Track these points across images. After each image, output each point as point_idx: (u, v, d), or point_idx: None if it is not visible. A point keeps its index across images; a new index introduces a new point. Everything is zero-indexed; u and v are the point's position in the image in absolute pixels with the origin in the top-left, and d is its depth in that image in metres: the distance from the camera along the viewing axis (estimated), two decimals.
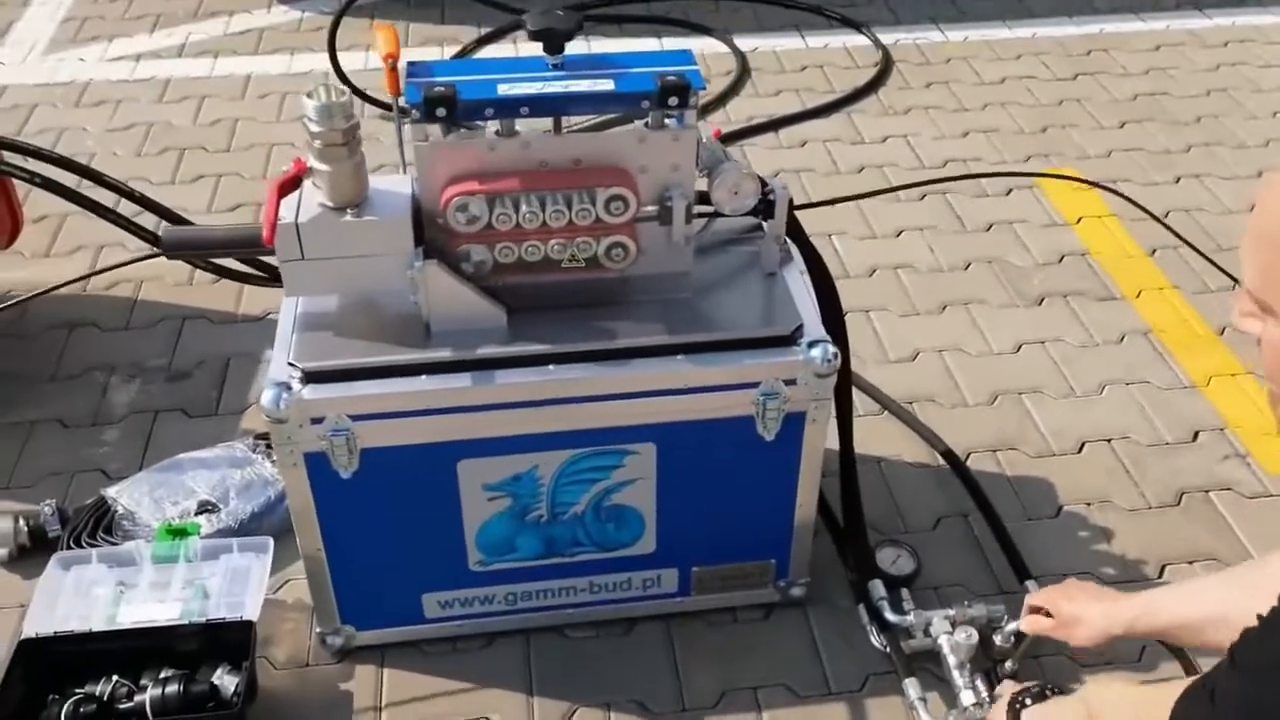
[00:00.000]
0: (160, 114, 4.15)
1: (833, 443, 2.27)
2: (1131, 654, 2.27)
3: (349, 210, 1.92)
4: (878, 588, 2.32)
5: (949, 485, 2.65)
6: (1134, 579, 2.44)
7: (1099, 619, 1.93)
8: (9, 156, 2.72)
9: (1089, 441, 2.79)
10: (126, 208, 2.78)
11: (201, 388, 2.93)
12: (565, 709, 2.20)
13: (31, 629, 2.16)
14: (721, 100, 4.27)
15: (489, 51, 4.65)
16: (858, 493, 2.43)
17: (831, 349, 2.02)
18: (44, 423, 2.81)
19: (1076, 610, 1.98)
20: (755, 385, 2.03)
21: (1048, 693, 1.83)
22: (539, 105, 1.90)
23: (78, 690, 2.08)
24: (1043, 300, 3.27)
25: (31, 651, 2.12)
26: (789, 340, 2.04)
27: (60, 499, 2.53)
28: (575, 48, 1.98)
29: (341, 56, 4.31)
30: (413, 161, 1.94)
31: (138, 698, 2.07)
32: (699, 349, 2.02)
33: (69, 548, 2.41)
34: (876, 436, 2.76)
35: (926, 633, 2.22)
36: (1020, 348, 3.09)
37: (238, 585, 2.27)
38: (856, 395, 2.71)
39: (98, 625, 2.18)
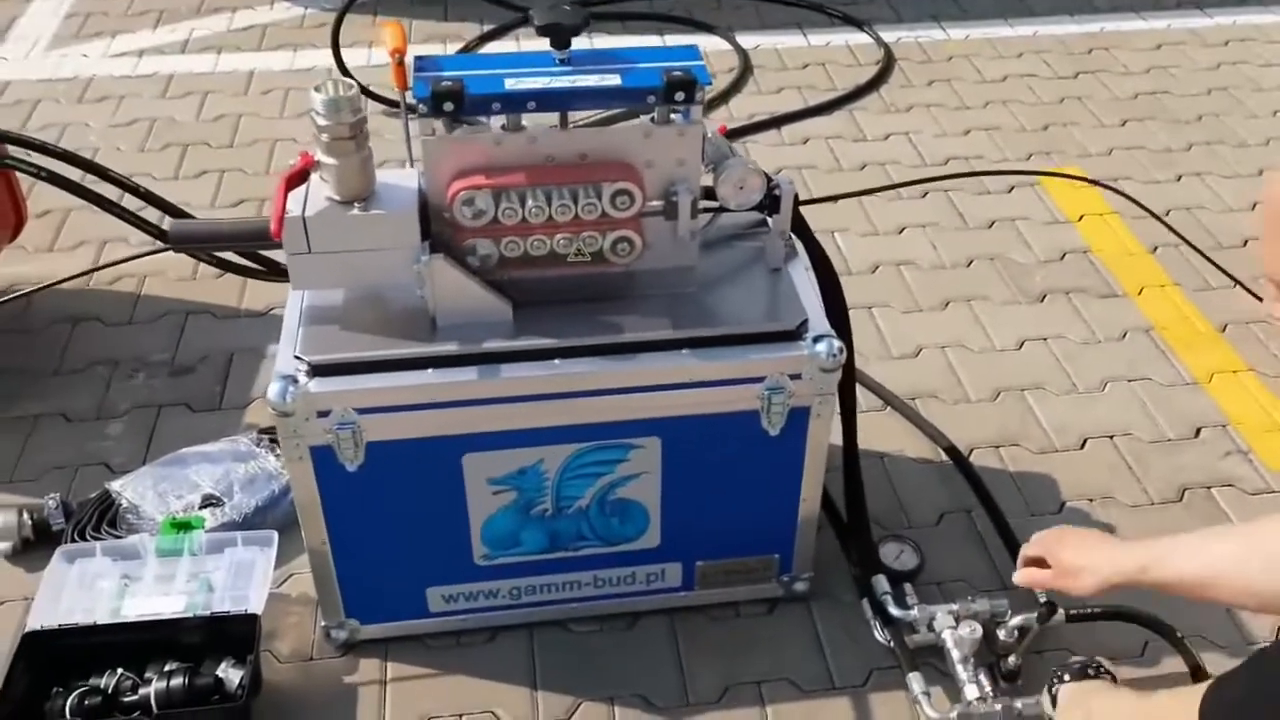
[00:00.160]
0: (163, 109, 4.15)
1: (836, 439, 2.27)
2: (1134, 649, 2.28)
3: (356, 204, 1.92)
4: (881, 583, 2.33)
5: (952, 481, 2.66)
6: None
7: (1104, 565, 1.90)
8: (15, 151, 2.73)
9: (1091, 438, 2.80)
10: (130, 203, 2.79)
11: (205, 382, 2.93)
12: (569, 703, 2.20)
13: (36, 622, 2.16)
14: (724, 97, 4.27)
15: (491, 49, 4.64)
16: (861, 488, 2.44)
17: (837, 344, 2.02)
18: (47, 417, 2.82)
19: (1078, 559, 1.96)
20: (760, 380, 2.03)
21: (1089, 671, 1.84)
22: (546, 100, 1.91)
23: (82, 683, 2.09)
24: (1045, 297, 3.28)
25: (36, 644, 2.12)
26: (794, 335, 2.04)
27: (64, 493, 2.53)
28: (578, 44, 1.98)
29: (344, 53, 4.33)
30: (419, 156, 1.95)
31: (142, 690, 2.07)
32: (704, 343, 2.02)
33: (73, 541, 2.41)
34: (879, 432, 2.77)
35: (930, 627, 2.22)
36: (1022, 344, 3.10)
37: (242, 579, 2.27)
38: (859, 391, 2.71)
39: (102, 618, 2.18)
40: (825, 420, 2.11)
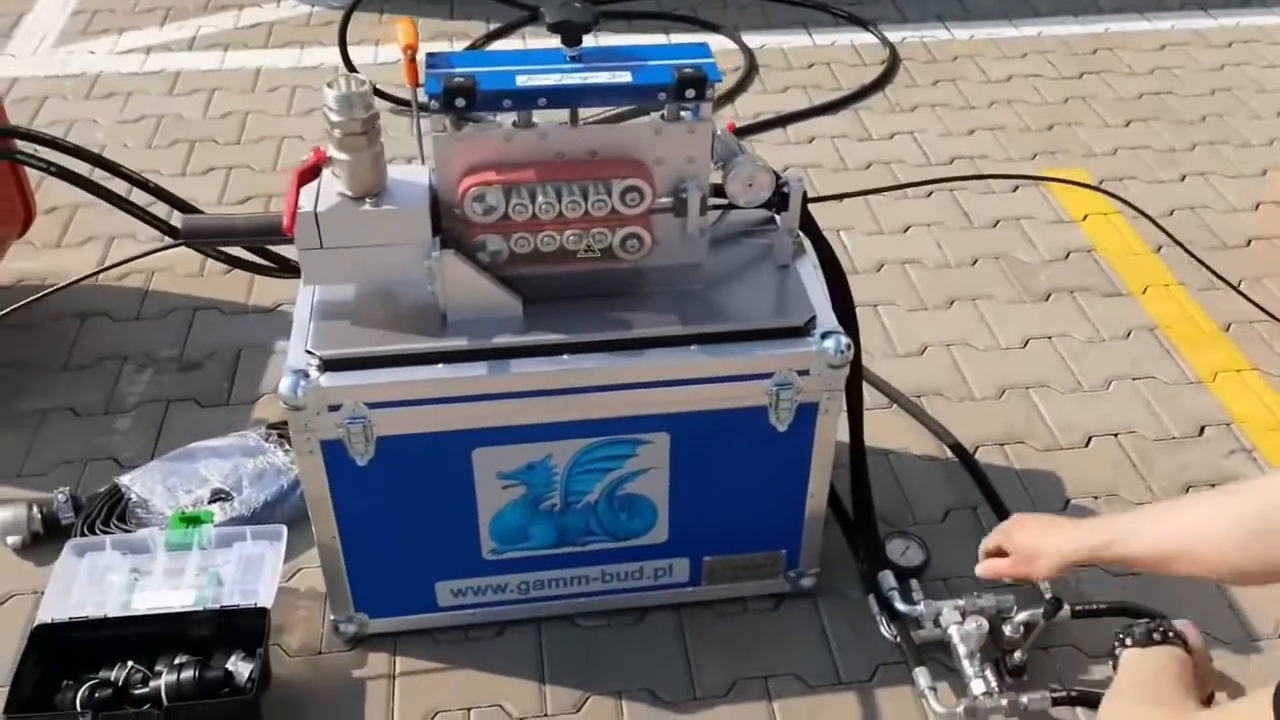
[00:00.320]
0: (171, 106, 4.17)
1: (842, 436, 2.28)
2: None
3: (367, 200, 1.93)
4: (888, 578, 2.34)
5: (957, 478, 2.67)
6: (1141, 572, 2.45)
7: (1063, 544, 1.89)
8: (23, 146, 2.74)
9: (1096, 436, 2.81)
10: (140, 200, 2.79)
11: (213, 378, 2.94)
12: (577, 697, 2.21)
13: (46, 615, 2.17)
14: (730, 97, 4.29)
15: (498, 47, 4.66)
16: (868, 484, 2.45)
17: (845, 340, 2.03)
18: (56, 411, 2.83)
19: (1033, 542, 1.95)
20: (768, 376, 2.04)
21: (1155, 636, 1.74)
22: (557, 97, 1.92)
23: (92, 675, 2.10)
24: (1049, 296, 3.29)
25: (46, 637, 2.13)
26: (802, 331, 2.05)
27: (73, 487, 2.54)
28: (585, 43, 1.99)
29: (351, 51, 4.34)
30: (430, 152, 1.96)
31: (152, 683, 2.08)
32: (713, 339, 2.03)
33: (83, 535, 2.42)
34: (885, 430, 2.78)
35: (936, 623, 2.23)
36: (1027, 343, 3.11)
37: (251, 573, 2.28)
38: (865, 389, 2.72)
39: (112, 612, 2.19)
40: (833, 416, 2.12)
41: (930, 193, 3.73)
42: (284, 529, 2.34)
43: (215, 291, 3.22)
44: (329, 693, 2.21)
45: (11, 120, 3.00)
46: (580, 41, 1.96)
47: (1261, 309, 3.18)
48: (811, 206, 2.20)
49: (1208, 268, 3.26)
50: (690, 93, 1.93)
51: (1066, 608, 2.20)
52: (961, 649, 2.16)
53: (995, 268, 3.40)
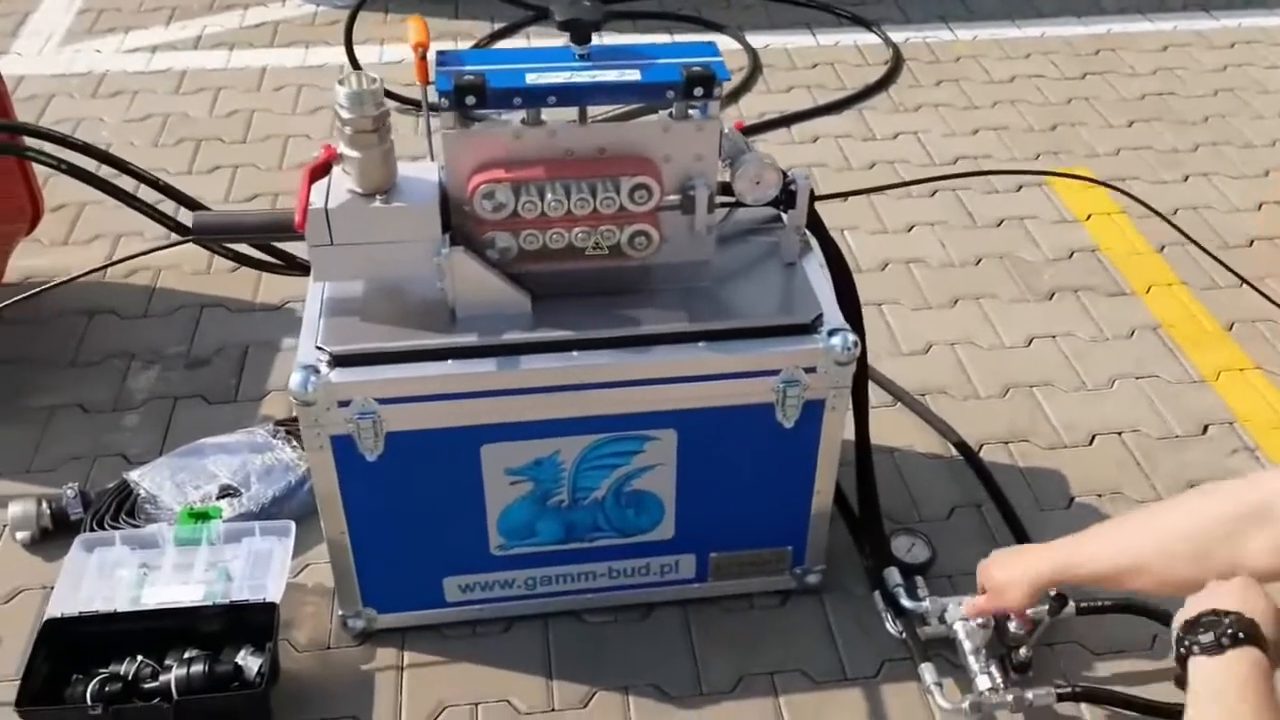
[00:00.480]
0: (177, 105, 4.18)
1: (848, 433, 2.29)
2: (1144, 641, 2.30)
3: (378, 196, 1.95)
4: (893, 575, 2.35)
5: (962, 476, 2.68)
6: None
7: (1028, 569, 1.95)
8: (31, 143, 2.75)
9: (1100, 434, 2.82)
10: (147, 197, 2.80)
11: (220, 374, 2.95)
12: (584, 692, 2.22)
13: (56, 609, 2.18)
14: (734, 96, 4.30)
15: (502, 46, 4.66)
16: (873, 482, 2.46)
17: (852, 337, 2.04)
18: (64, 408, 2.84)
19: (1002, 575, 2.00)
20: (776, 373, 2.05)
21: (1224, 640, 1.52)
22: (566, 94, 1.93)
23: (102, 670, 2.11)
24: (1053, 295, 3.30)
25: (56, 631, 2.14)
26: (809, 329, 2.06)
27: (82, 483, 2.55)
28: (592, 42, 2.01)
29: (356, 50, 4.35)
30: (438, 150, 1.97)
31: (162, 677, 2.09)
32: (720, 336, 2.05)
33: (92, 530, 2.43)
34: (890, 428, 2.79)
35: (942, 619, 2.24)
36: (1031, 341, 3.12)
37: (260, 568, 2.29)
38: (870, 387, 2.73)
39: (121, 606, 2.20)
40: (839, 413, 2.13)
41: (934, 192, 3.74)
42: (292, 525, 2.35)
43: (222, 289, 3.23)
44: (337, 687, 2.22)
45: (18, 119, 3.01)
46: (589, 40, 1.98)
47: (1275, 303, 3.18)
48: (816, 205, 2.22)
49: (1216, 259, 3.26)
50: (698, 91, 1.94)
51: (1071, 605, 2.22)
52: (967, 645, 2.17)
53: (999, 267, 3.41)
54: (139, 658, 2.13)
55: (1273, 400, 2.93)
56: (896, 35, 4.79)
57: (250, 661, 2.13)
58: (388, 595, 2.26)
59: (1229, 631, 1.52)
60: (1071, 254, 3.47)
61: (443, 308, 2.03)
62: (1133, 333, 3.16)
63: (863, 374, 2.38)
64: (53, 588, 2.24)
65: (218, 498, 2.50)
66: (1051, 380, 2.99)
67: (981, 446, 2.77)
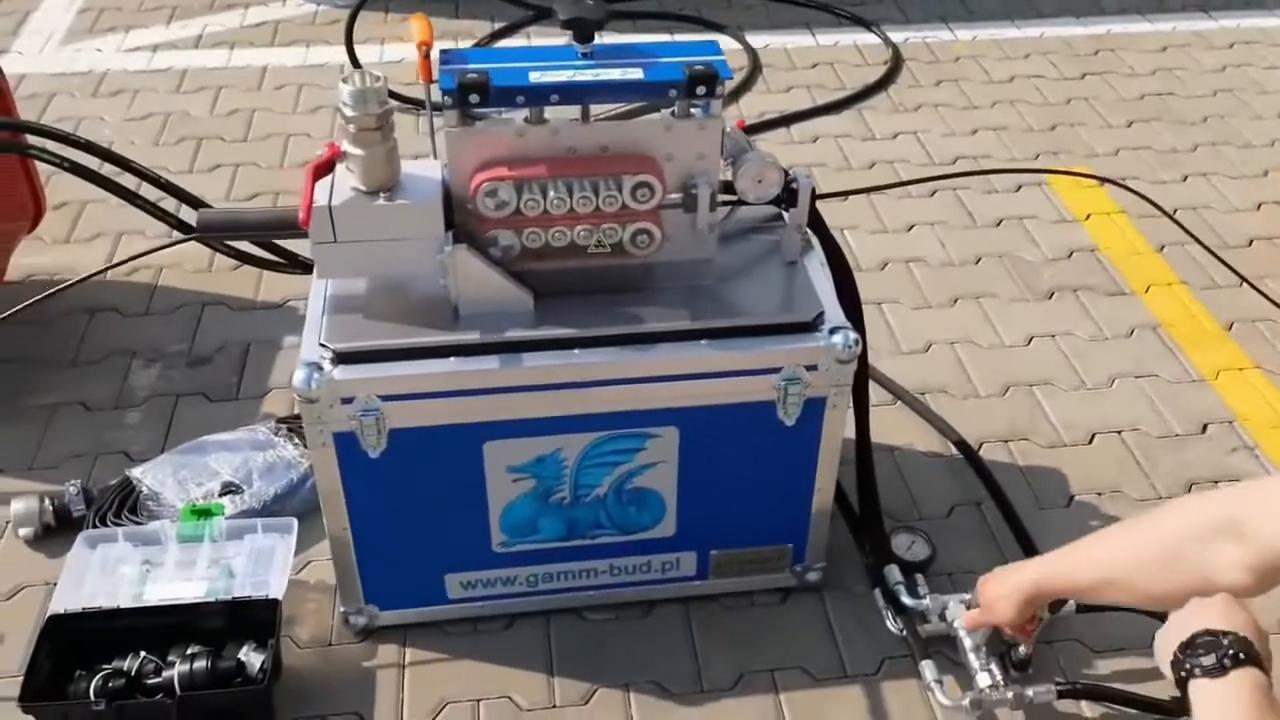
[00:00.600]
0: (177, 104, 4.18)
1: (848, 432, 2.29)
2: (1143, 639, 2.29)
3: (381, 194, 1.95)
4: (894, 573, 2.35)
5: (962, 474, 2.69)
6: None
7: (1014, 582, 1.97)
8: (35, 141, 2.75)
9: (1099, 433, 2.83)
10: (149, 195, 2.81)
11: (222, 372, 2.96)
12: (585, 689, 2.23)
13: (59, 606, 2.18)
14: (734, 96, 4.31)
15: (502, 46, 4.67)
16: (874, 480, 2.47)
17: (853, 335, 2.05)
18: (66, 406, 2.84)
19: (993, 588, 2.03)
20: (777, 370, 2.06)
21: (1225, 662, 1.51)
22: (569, 93, 1.93)
23: (105, 666, 2.11)
24: (1053, 295, 3.31)
25: (59, 627, 2.15)
26: (810, 327, 2.07)
27: (84, 480, 2.56)
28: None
29: (357, 50, 4.36)
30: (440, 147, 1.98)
31: (165, 673, 2.09)
32: (722, 334, 2.05)
33: (94, 527, 2.44)
34: (890, 426, 2.79)
35: (942, 617, 2.25)
36: (1031, 341, 3.13)
37: (262, 565, 2.29)
38: (870, 385, 2.73)
39: (124, 603, 2.20)
40: (840, 411, 2.14)
41: (933, 192, 3.75)
42: (294, 521, 2.35)
43: (224, 287, 3.24)
44: (339, 683, 2.23)
45: (20, 117, 3.02)
46: (592, 38, 1.98)
47: (1275, 303, 3.19)
48: (817, 204, 2.22)
49: (1217, 256, 3.27)
50: (701, 90, 1.95)
51: (1071, 602, 2.22)
52: (967, 642, 2.17)
53: (999, 266, 3.42)
54: (142, 654, 2.13)
55: (1272, 399, 2.94)
56: (896, 35, 4.80)
57: (253, 658, 2.13)
58: (389, 592, 2.26)
59: (1230, 652, 1.52)
60: (1071, 253, 3.48)
61: (445, 305, 2.04)
62: (1132, 332, 3.17)
63: (863, 373, 2.39)
64: (55, 584, 2.24)
65: (220, 495, 2.51)
66: (1051, 379, 2.99)
67: (981, 445, 2.77)
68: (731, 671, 2.26)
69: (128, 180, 2.76)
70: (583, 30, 1.97)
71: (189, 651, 2.13)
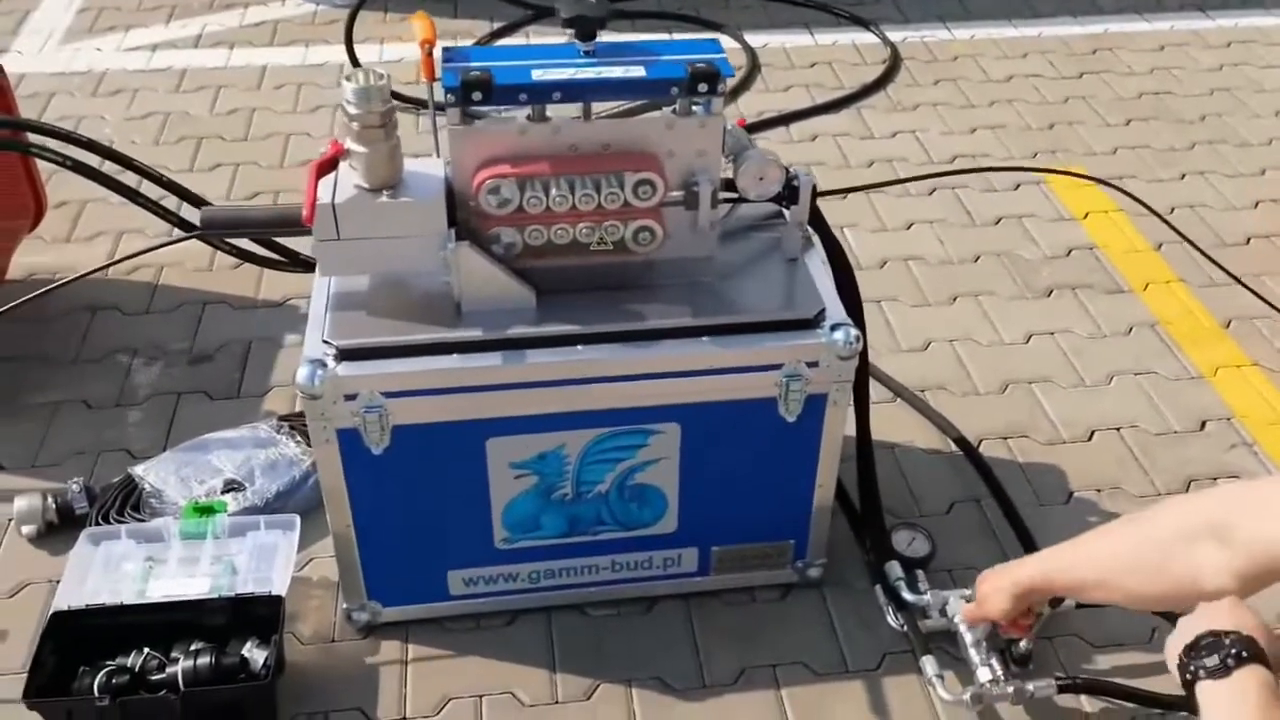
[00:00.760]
0: (177, 103, 4.19)
1: (848, 429, 2.30)
2: (1143, 635, 2.32)
3: (384, 191, 1.96)
4: (895, 569, 2.36)
5: (962, 471, 2.70)
6: None
7: (1007, 583, 1.98)
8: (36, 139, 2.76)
9: (1098, 430, 2.84)
10: (150, 194, 2.82)
11: (223, 370, 2.96)
12: (587, 685, 2.23)
13: (63, 602, 2.18)
14: (733, 95, 4.31)
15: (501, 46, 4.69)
16: (874, 477, 2.48)
17: (854, 332, 2.06)
18: (68, 404, 2.85)
19: (989, 585, 2.03)
20: (778, 367, 2.07)
21: (1229, 662, 1.51)
22: (572, 90, 1.94)
23: (109, 662, 2.11)
24: (1051, 292, 3.32)
25: (63, 624, 2.15)
26: (812, 324, 2.08)
27: (86, 478, 2.56)
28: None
29: (356, 49, 4.36)
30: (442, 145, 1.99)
31: (169, 669, 2.09)
32: (723, 331, 2.06)
33: (97, 524, 2.44)
34: (890, 423, 2.80)
35: (942, 613, 2.25)
36: (1030, 338, 3.14)
37: (265, 562, 2.30)
38: (870, 383, 2.74)
39: (127, 599, 2.21)
40: (841, 408, 2.15)
41: (932, 190, 3.76)
42: (297, 518, 2.36)
43: (224, 286, 3.24)
44: (342, 680, 2.23)
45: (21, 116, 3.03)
46: (594, 36, 1.99)
47: (1268, 302, 3.20)
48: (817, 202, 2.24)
49: (1209, 257, 3.27)
50: (703, 87, 1.96)
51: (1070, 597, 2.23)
52: (968, 638, 2.18)
53: (997, 264, 3.43)
54: (145, 650, 2.13)
55: (1270, 397, 2.95)
56: (894, 35, 4.81)
57: (256, 654, 2.14)
58: (392, 589, 2.27)
59: (1232, 652, 1.53)
60: (1069, 252, 3.49)
61: (448, 302, 2.04)
62: (1131, 330, 3.18)
63: (864, 370, 2.40)
64: (58, 581, 2.25)
65: (222, 492, 2.52)
66: (1050, 377, 3.00)
67: (981, 442, 2.78)
68: (733, 667, 2.27)
69: (129, 179, 2.77)
70: (585, 28, 1.98)
71: (192, 648, 2.13)
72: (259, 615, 2.18)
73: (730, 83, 4.20)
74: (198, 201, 2.77)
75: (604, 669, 2.26)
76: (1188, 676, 1.56)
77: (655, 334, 2.05)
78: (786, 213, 2.20)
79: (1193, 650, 1.57)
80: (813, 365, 2.07)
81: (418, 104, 3.93)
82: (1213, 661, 1.53)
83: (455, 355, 1.99)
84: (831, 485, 2.27)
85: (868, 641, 2.32)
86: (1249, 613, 1.61)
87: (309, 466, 2.55)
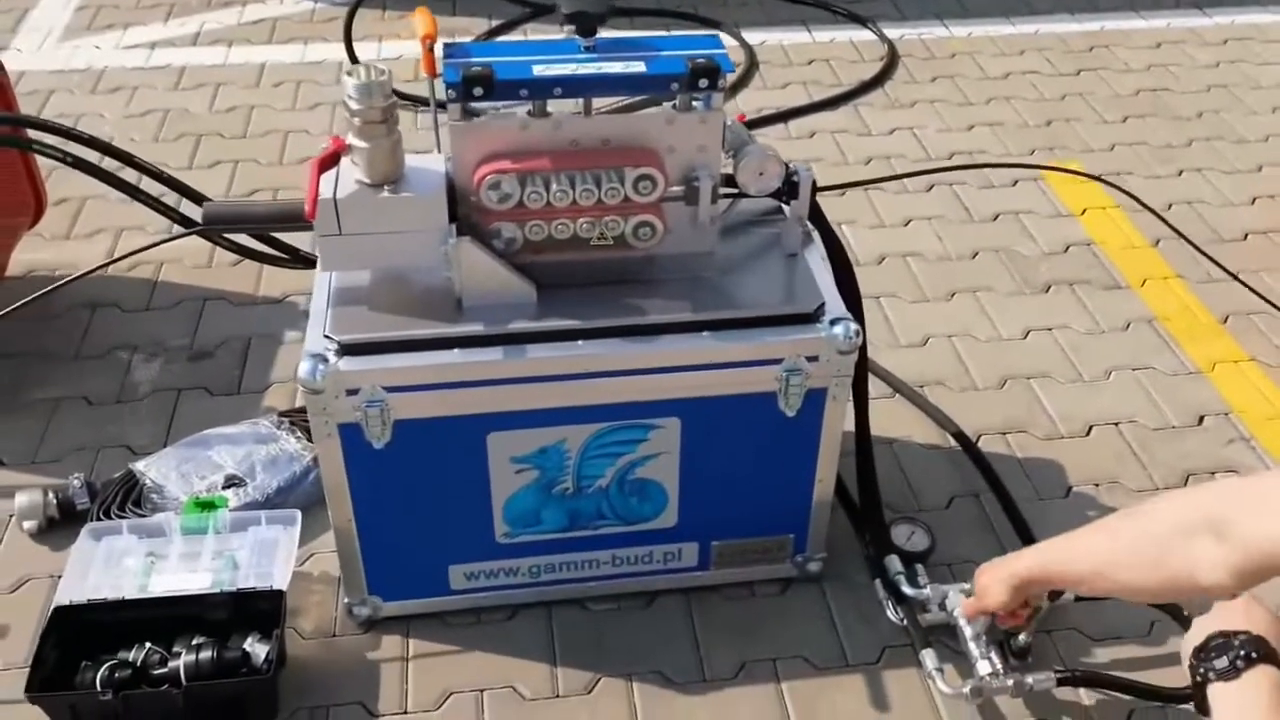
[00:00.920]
0: (176, 101, 4.19)
1: (848, 424, 2.30)
2: (1141, 628, 2.33)
3: (385, 187, 1.97)
4: (894, 563, 2.37)
5: (961, 466, 2.71)
6: None
7: (1006, 575, 1.98)
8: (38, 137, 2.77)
9: (1097, 425, 2.85)
10: (151, 190, 2.82)
11: (223, 367, 2.97)
12: (588, 679, 2.24)
13: (64, 597, 2.19)
14: (731, 92, 4.32)
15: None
16: (873, 471, 2.48)
17: (854, 326, 2.07)
18: (69, 400, 2.85)
19: (988, 577, 2.04)
20: (778, 362, 2.07)
21: (1238, 663, 1.50)
22: (572, 86, 1.95)
23: (110, 657, 2.12)
24: (1049, 288, 3.33)
25: (65, 619, 2.16)
26: (812, 318, 2.09)
27: (87, 473, 2.57)
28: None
29: (355, 47, 4.37)
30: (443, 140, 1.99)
31: (171, 664, 2.10)
32: (723, 326, 2.07)
33: (98, 520, 2.45)
34: (889, 419, 2.81)
35: (942, 606, 2.26)
36: (1028, 334, 3.15)
37: (266, 557, 2.30)
38: (869, 378, 2.75)
39: (129, 594, 2.21)
40: (841, 402, 2.16)
41: (930, 187, 3.77)
42: (298, 513, 2.37)
43: (224, 282, 3.25)
44: (343, 674, 2.24)
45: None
46: (595, 32, 2.00)
47: (1264, 298, 3.21)
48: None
49: (1204, 253, 3.28)
50: (703, 83, 1.97)
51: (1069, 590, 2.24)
52: (967, 631, 2.18)
53: (995, 260, 3.44)
54: (147, 645, 2.14)
55: (1267, 391, 2.96)
56: (892, 32, 4.81)
57: (258, 648, 2.14)
58: (393, 583, 2.28)
59: (1242, 653, 1.52)
60: (1067, 248, 3.50)
61: (449, 297, 2.05)
62: (1128, 325, 3.19)
63: (863, 365, 2.41)
64: (60, 577, 2.26)
65: (223, 488, 2.52)
66: (1048, 372, 3.01)
67: (979, 437, 2.79)
68: (733, 661, 2.28)
69: (129, 176, 2.77)
70: (586, 24, 1.98)
71: (194, 642, 2.13)
72: (260, 610, 2.19)
73: (730, 79, 4.25)
74: (198, 198, 2.77)
75: (604, 663, 2.27)
76: (1198, 678, 1.55)
77: (655, 329, 2.06)
78: (786, 208, 2.21)
79: (1202, 652, 1.56)
80: (813, 360, 2.08)
81: (416, 101, 3.93)
82: (1222, 663, 1.52)
83: (456, 350, 2.00)
84: (831, 480, 2.28)
85: (867, 635, 2.32)
86: (1263, 612, 1.60)
87: (309, 462, 2.56)
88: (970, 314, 3.22)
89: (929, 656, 2.21)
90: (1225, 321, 3.21)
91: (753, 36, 4.74)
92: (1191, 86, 4.48)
